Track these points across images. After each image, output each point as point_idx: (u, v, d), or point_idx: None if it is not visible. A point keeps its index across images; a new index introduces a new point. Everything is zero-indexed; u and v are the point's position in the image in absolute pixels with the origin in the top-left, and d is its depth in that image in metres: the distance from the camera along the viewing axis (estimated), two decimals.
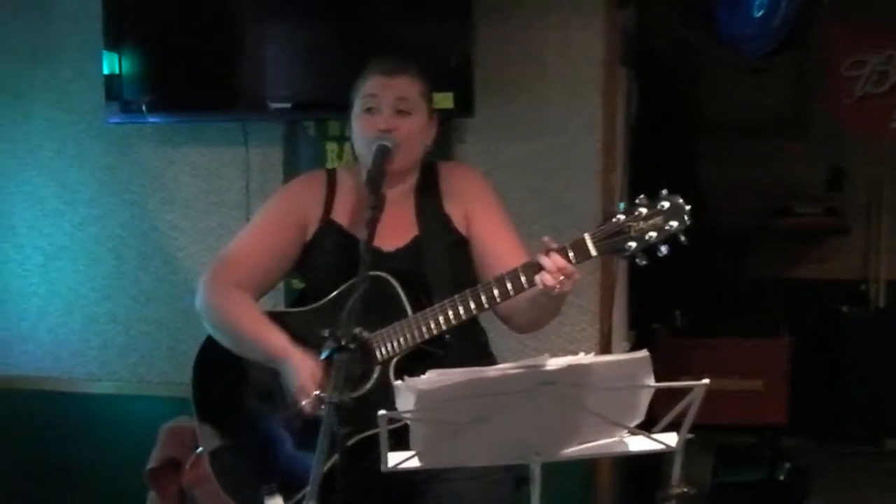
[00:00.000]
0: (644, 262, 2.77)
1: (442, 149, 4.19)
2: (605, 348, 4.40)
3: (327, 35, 4.35)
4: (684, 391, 2.45)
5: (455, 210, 3.19)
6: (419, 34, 4.23)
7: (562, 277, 2.76)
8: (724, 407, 5.26)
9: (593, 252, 2.78)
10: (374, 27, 4.27)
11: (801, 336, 5.95)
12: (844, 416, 6.60)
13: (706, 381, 2.41)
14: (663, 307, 5.89)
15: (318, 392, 2.90)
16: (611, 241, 2.77)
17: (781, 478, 5.66)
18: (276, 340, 3.06)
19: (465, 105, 4.19)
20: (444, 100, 4.08)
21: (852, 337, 6.66)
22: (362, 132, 3.11)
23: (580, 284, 4.18)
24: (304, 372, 2.97)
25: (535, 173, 4.39)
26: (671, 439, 2.54)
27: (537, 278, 2.78)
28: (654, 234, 2.73)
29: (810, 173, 6.87)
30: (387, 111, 3.07)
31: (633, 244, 2.75)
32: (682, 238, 2.73)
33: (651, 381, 2.42)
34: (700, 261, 5.95)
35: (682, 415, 2.48)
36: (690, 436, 2.50)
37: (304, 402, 2.94)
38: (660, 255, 2.74)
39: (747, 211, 6.70)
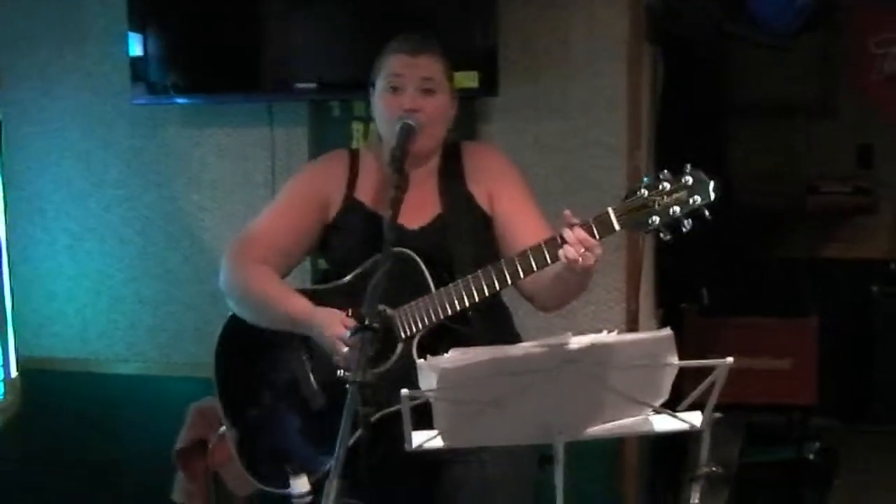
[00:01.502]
0: (668, 237, 2.76)
1: (466, 128, 4.19)
2: (632, 327, 4.39)
3: (352, 14, 4.35)
4: (713, 370, 2.44)
5: (478, 189, 3.19)
6: (444, 13, 4.23)
7: (583, 250, 2.75)
8: (752, 387, 5.25)
9: (616, 226, 2.78)
10: (399, 6, 4.26)
11: (830, 316, 5.91)
12: (873, 396, 6.56)
13: (730, 359, 2.39)
14: (691, 286, 5.86)
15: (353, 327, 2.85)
16: (634, 215, 2.76)
17: (810, 457, 5.64)
18: (299, 303, 3.08)
19: (489, 84, 4.17)
20: (469, 79, 4.08)
21: (882, 316, 6.61)
22: (386, 112, 3.11)
23: (606, 263, 4.21)
24: (333, 323, 2.98)
25: (561, 152, 4.37)
26: (696, 418, 2.53)
27: (560, 252, 2.77)
28: (677, 208, 2.72)
29: (838, 152, 6.82)
30: (411, 90, 3.07)
31: (656, 218, 2.74)
32: (707, 212, 2.72)
33: (674, 360, 2.41)
34: (728, 240, 5.94)
35: (708, 394, 2.47)
36: (718, 415, 2.50)
37: (343, 351, 2.94)
38: (684, 229, 2.73)
39: (775, 190, 6.66)
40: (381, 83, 3.14)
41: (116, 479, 4.84)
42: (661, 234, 2.76)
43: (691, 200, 2.72)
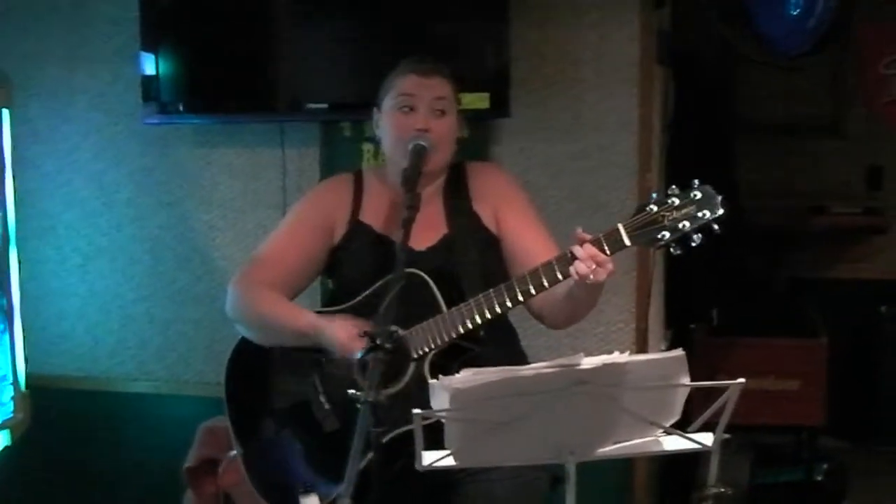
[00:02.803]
0: (678, 252, 2.77)
1: (478, 149, 4.21)
2: (642, 348, 4.39)
3: (363, 35, 4.36)
4: (722, 391, 2.44)
5: (484, 209, 3.20)
6: (456, 34, 4.23)
7: (594, 266, 2.75)
8: (761, 407, 5.23)
9: (627, 242, 2.78)
10: (411, 27, 4.27)
11: (838, 336, 5.90)
12: (882, 417, 6.55)
13: (742, 380, 2.40)
14: (700, 307, 5.86)
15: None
16: (644, 230, 2.77)
17: (819, 479, 5.62)
18: (306, 316, 3.09)
19: (500, 105, 4.18)
20: (481, 100, 4.10)
21: (890, 337, 6.61)
22: (396, 132, 3.11)
23: (617, 284, 4.23)
24: (343, 328, 2.98)
25: (572, 173, 4.38)
26: (707, 439, 2.53)
27: (571, 269, 2.77)
28: (687, 223, 2.73)
29: (848, 173, 6.82)
30: (423, 111, 3.08)
31: (666, 234, 2.75)
32: (716, 227, 2.73)
33: (686, 381, 2.42)
34: (737, 260, 5.94)
35: (718, 414, 2.48)
36: (727, 436, 2.50)
37: (354, 345, 2.92)
38: (694, 244, 2.74)
39: (784, 210, 6.66)
40: (390, 103, 3.15)
41: (125, 498, 4.84)
42: (672, 249, 2.77)
43: (700, 215, 2.72)
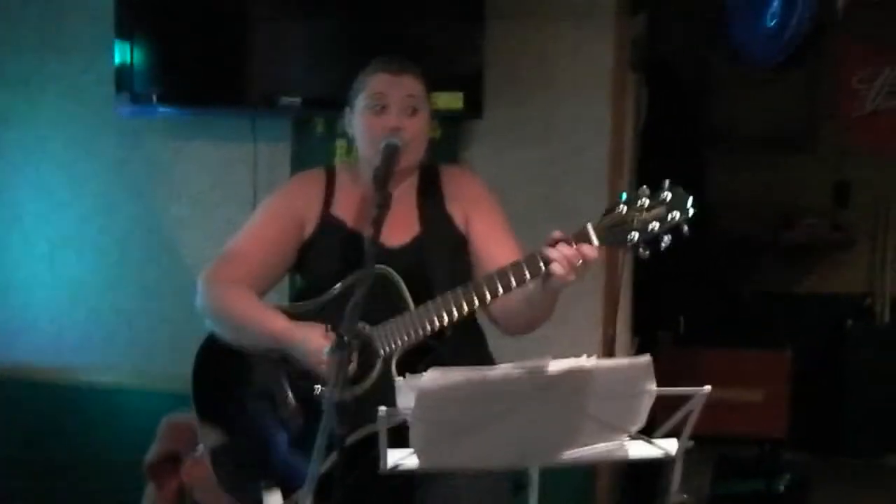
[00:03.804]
0: (647, 253, 2.76)
1: (450, 151, 4.22)
2: (609, 353, 4.40)
3: (338, 32, 4.37)
4: (687, 399, 2.44)
5: (456, 210, 3.19)
6: (431, 34, 4.25)
7: (567, 266, 2.75)
8: (724, 418, 5.23)
9: (595, 242, 2.77)
10: (386, 26, 4.27)
11: (804, 349, 5.94)
12: (846, 430, 6.58)
13: (707, 387, 2.40)
14: (668, 315, 5.88)
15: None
16: (613, 231, 2.77)
17: (780, 490, 5.65)
18: (279, 323, 3.05)
19: (474, 106, 4.20)
20: (454, 100, 4.10)
21: (856, 351, 6.64)
22: (369, 131, 3.11)
23: (584, 288, 4.23)
24: (315, 338, 2.96)
25: (543, 178, 4.39)
26: (671, 446, 2.53)
27: (545, 269, 2.77)
28: (656, 224, 2.73)
29: (817, 187, 6.85)
30: (395, 110, 3.08)
31: (635, 234, 2.74)
32: (685, 229, 2.73)
33: (653, 387, 2.41)
34: (705, 270, 5.96)
35: (683, 422, 2.48)
36: (690, 443, 2.49)
37: (326, 369, 2.90)
38: (663, 245, 2.74)
39: (753, 222, 6.69)
40: (362, 103, 3.14)
41: (86, 490, 4.79)
42: (641, 251, 2.77)
43: (670, 217, 2.73)
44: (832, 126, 6.47)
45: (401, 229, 3.12)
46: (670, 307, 5.87)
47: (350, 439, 2.67)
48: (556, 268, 2.76)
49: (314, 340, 2.95)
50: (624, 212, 2.76)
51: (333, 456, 2.50)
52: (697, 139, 6.33)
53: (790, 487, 5.68)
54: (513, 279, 2.85)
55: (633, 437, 2.52)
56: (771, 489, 5.62)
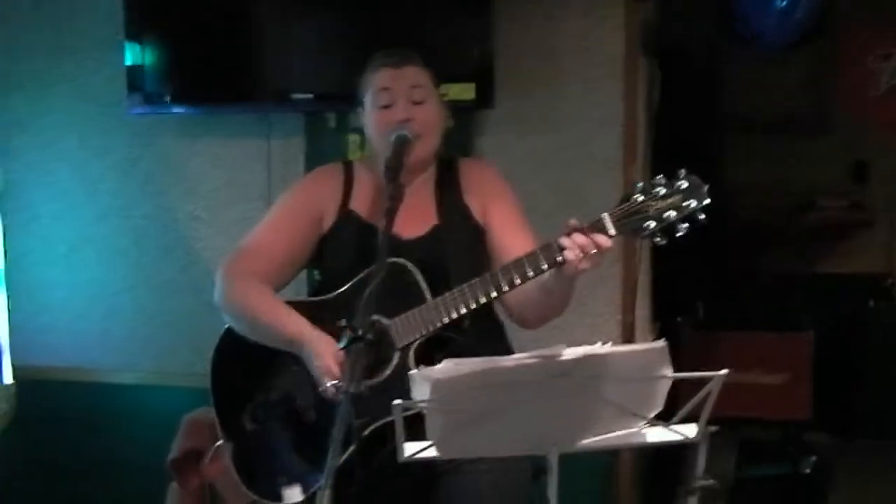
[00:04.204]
0: (663, 242, 2.76)
1: (461, 141, 4.20)
2: (628, 340, 4.39)
3: (349, 26, 4.36)
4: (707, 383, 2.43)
5: (474, 202, 3.19)
6: (440, 25, 4.23)
7: (581, 254, 2.75)
8: (747, 401, 5.23)
9: (612, 231, 2.77)
10: (395, 19, 4.27)
11: (826, 331, 5.90)
12: (868, 411, 6.55)
13: (724, 371, 2.39)
14: (687, 300, 5.86)
15: (337, 382, 2.88)
16: (629, 220, 2.77)
17: (805, 472, 5.62)
18: (295, 324, 3.05)
19: (485, 97, 4.19)
20: (466, 91, 4.10)
21: (877, 331, 6.60)
22: (379, 127, 3.11)
23: (602, 275, 4.24)
24: (325, 354, 2.95)
25: (555, 166, 4.37)
26: (690, 430, 2.52)
27: (560, 257, 2.76)
28: (672, 212, 2.73)
29: (833, 168, 6.81)
30: (402, 102, 3.08)
31: (651, 223, 2.75)
32: (702, 217, 2.72)
33: (669, 372, 2.41)
34: (724, 255, 5.94)
35: (702, 406, 2.47)
36: (714, 428, 2.49)
37: (328, 384, 2.92)
38: (679, 234, 2.73)
39: (770, 206, 6.66)
40: (370, 100, 3.15)
41: (110, 489, 4.82)
42: (658, 240, 2.76)
43: (686, 204, 2.73)
44: (847, 106, 6.43)
45: (417, 221, 3.12)
46: (690, 292, 5.84)
47: (367, 431, 2.67)
48: (570, 254, 2.75)
49: (323, 357, 2.94)
50: (640, 201, 2.76)
51: (351, 448, 2.50)
52: (712, 123, 6.29)
53: (815, 470, 5.66)
54: (529, 269, 2.85)
55: (651, 423, 2.51)
56: (796, 471, 5.60)
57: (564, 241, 2.78)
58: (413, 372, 2.38)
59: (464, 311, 2.92)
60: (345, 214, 3.21)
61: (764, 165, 6.75)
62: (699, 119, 5.78)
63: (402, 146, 3.02)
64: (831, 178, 6.80)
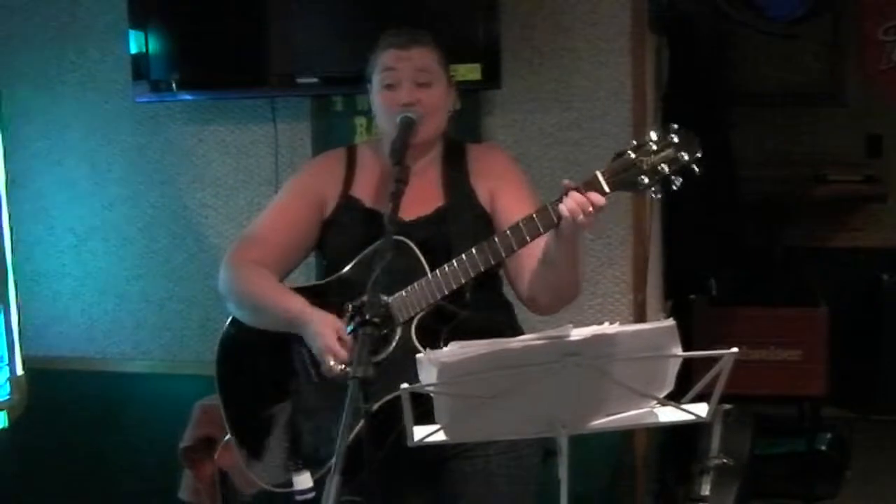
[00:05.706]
0: (660, 195, 2.75)
1: (469, 121, 4.18)
2: (640, 319, 4.36)
3: (354, 8, 4.34)
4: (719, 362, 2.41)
5: (481, 186, 3.16)
6: (446, 6, 4.20)
7: (580, 212, 2.72)
8: (763, 378, 5.22)
9: (606, 188, 2.75)
10: (401, 1, 4.24)
11: (840, 305, 5.88)
12: (885, 386, 6.54)
13: (735, 349, 2.36)
14: (699, 277, 5.84)
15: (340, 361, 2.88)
16: (623, 175, 2.75)
17: (821, 449, 5.61)
18: (295, 304, 3.05)
19: (492, 77, 4.16)
20: (472, 71, 4.08)
21: (892, 305, 6.59)
22: (385, 108, 3.09)
23: (612, 254, 4.22)
24: (326, 332, 2.94)
25: (564, 144, 4.35)
26: (702, 409, 2.50)
27: (561, 206, 2.74)
28: (665, 166, 2.71)
29: (847, 141, 6.79)
30: (407, 84, 3.05)
31: (645, 178, 2.73)
32: (696, 169, 2.70)
33: (678, 351, 2.39)
34: (736, 230, 5.91)
35: (714, 384, 2.44)
36: (728, 406, 2.46)
37: (331, 363, 2.91)
38: (675, 187, 2.72)
39: (783, 179, 6.63)
40: (376, 79, 3.12)
41: (123, 477, 4.83)
42: (654, 193, 2.75)
43: (679, 157, 2.71)
44: (858, 79, 6.40)
45: (423, 201, 3.10)
46: (702, 269, 5.82)
47: (375, 407, 2.65)
48: (565, 209, 2.73)
49: (325, 335, 2.94)
50: (632, 157, 2.74)
51: (359, 429, 2.49)
52: (722, 97, 6.26)
53: (831, 445, 5.64)
54: (525, 233, 2.82)
55: (662, 403, 2.49)
56: (812, 448, 5.58)
57: (561, 204, 2.75)
58: (420, 356, 2.36)
59: (463, 280, 2.89)
60: (346, 199, 3.19)
61: (776, 139, 6.73)
62: (709, 94, 5.75)
63: (407, 129, 3.00)
64: (844, 151, 6.78)
